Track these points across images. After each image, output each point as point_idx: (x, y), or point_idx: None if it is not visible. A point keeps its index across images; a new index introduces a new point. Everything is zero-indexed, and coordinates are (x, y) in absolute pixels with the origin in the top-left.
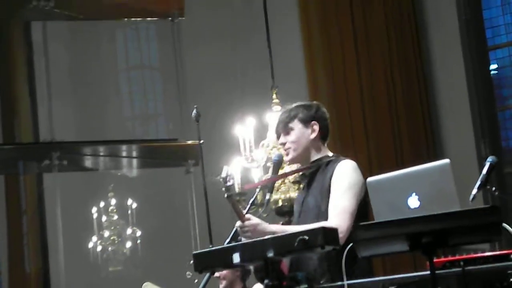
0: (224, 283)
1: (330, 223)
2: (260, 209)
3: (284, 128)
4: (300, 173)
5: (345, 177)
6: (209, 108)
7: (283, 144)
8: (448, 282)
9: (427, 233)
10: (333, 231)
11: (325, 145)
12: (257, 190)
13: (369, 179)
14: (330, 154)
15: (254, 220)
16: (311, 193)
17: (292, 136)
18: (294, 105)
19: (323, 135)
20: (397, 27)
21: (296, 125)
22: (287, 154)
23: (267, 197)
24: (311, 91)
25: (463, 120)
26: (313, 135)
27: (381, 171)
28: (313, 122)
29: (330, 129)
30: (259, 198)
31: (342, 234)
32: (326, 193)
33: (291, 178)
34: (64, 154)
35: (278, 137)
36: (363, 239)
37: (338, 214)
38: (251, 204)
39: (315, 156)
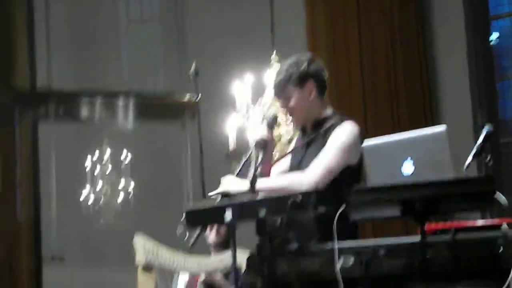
0: (219, 238)
1: (305, 173)
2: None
3: (281, 93)
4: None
5: (339, 137)
6: (208, 64)
7: (284, 108)
8: (438, 249)
9: (419, 199)
10: (326, 193)
11: (325, 98)
12: (251, 149)
13: (365, 143)
14: (332, 111)
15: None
16: (310, 153)
17: (291, 102)
18: (285, 65)
19: (321, 89)
20: None
21: (292, 90)
22: (290, 119)
23: (261, 155)
24: (310, 49)
25: (461, 88)
26: (312, 96)
27: (377, 134)
28: (307, 82)
29: (327, 80)
30: (253, 157)
31: (308, 186)
32: None
33: (286, 140)
34: (60, 103)
35: (277, 99)
36: (355, 203)
37: (315, 167)
38: (245, 163)
39: (317, 115)
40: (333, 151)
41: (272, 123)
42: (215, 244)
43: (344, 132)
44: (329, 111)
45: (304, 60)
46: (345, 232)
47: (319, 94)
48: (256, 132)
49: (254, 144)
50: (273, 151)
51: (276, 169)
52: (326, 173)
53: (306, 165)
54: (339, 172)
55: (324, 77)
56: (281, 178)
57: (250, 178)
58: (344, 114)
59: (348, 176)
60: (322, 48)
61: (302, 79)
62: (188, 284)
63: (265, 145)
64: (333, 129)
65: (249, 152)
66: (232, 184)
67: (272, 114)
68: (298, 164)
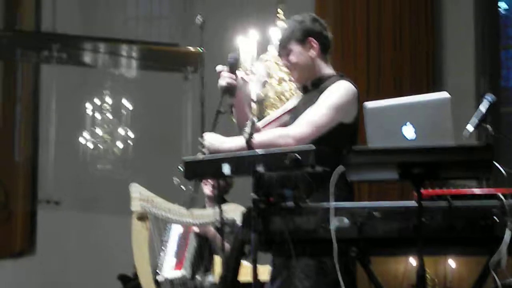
0: (215, 192)
1: (292, 127)
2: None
3: (283, 50)
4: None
5: (331, 95)
6: (213, 17)
7: (286, 65)
8: (433, 214)
9: (418, 164)
10: (325, 152)
11: (327, 58)
12: (220, 98)
13: (367, 103)
14: (334, 72)
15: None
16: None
17: (293, 58)
18: (288, 23)
19: (323, 48)
20: None
21: (294, 46)
22: (293, 75)
23: (232, 101)
24: (317, 8)
25: (466, 54)
26: (313, 53)
27: (378, 96)
28: (309, 38)
29: (331, 40)
30: (223, 109)
31: (292, 140)
32: None
33: (288, 96)
34: (64, 46)
35: (281, 57)
36: (354, 164)
37: (303, 122)
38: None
39: (318, 72)
40: (322, 107)
41: (234, 64)
42: (210, 197)
43: (337, 90)
44: (330, 71)
45: (308, 18)
46: (343, 193)
47: (321, 52)
48: (220, 78)
49: (221, 91)
50: (243, 94)
51: (274, 125)
52: (311, 129)
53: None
54: (331, 129)
55: (326, 36)
56: (267, 132)
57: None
58: (345, 75)
59: (341, 134)
60: (329, 5)
61: (304, 35)
62: (181, 235)
63: (233, 89)
64: (328, 86)
65: (220, 102)
66: (214, 141)
67: (233, 55)
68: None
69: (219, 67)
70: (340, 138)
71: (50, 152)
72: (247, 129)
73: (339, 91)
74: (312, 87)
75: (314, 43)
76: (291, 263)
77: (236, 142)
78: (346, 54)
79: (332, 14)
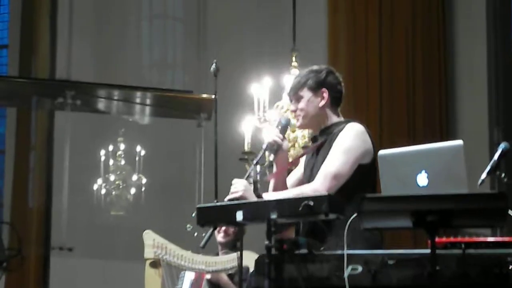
0: (227, 238)
1: (313, 184)
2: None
3: (294, 95)
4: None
5: (343, 140)
6: (227, 65)
7: (294, 111)
8: (447, 263)
9: (432, 211)
10: (338, 200)
11: (338, 110)
12: (262, 151)
13: (381, 151)
14: (341, 119)
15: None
16: (319, 158)
17: (302, 104)
18: (305, 71)
19: (334, 101)
20: (424, 2)
21: (306, 93)
22: (297, 121)
23: (271, 158)
24: (330, 57)
25: (479, 103)
26: (322, 103)
27: (391, 145)
28: (322, 89)
29: (343, 93)
30: (266, 160)
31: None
32: None
33: (301, 143)
34: (78, 93)
35: (291, 102)
36: (368, 211)
37: (323, 176)
38: (255, 165)
39: (324, 123)
40: (338, 155)
41: (286, 126)
42: (222, 244)
43: (347, 134)
44: (338, 119)
45: (324, 70)
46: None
47: (332, 104)
48: (268, 133)
49: (265, 145)
50: (286, 157)
51: (289, 180)
52: (332, 180)
53: (317, 169)
54: (352, 173)
55: (340, 90)
56: (289, 192)
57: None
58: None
59: (362, 177)
60: (342, 59)
61: (318, 85)
62: (194, 282)
63: (277, 149)
64: (338, 133)
65: (259, 154)
66: (247, 191)
67: (286, 117)
68: (311, 172)
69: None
70: (361, 181)
71: (64, 199)
72: (252, 176)
73: (350, 134)
74: (320, 136)
75: (326, 94)
76: None
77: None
78: (358, 102)
79: (345, 62)
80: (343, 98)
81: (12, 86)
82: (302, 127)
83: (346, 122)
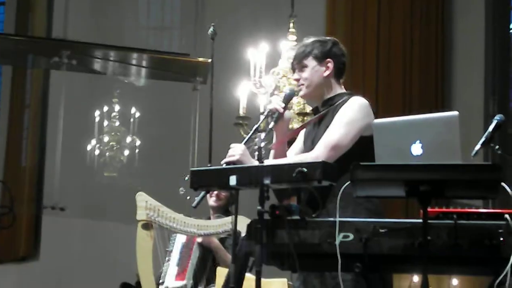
0: (219, 203)
1: (312, 152)
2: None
3: (298, 64)
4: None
5: (346, 112)
6: (224, 29)
7: (297, 80)
8: (439, 232)
9: (425, 181)
10: (332, 167)
11: (341, 82)
12: (262, 117)
13: (375, 120)
14: (344, 91)
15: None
16: (321, 130)
17: (306, 73)
18: (310, 40)
19: (338, 72)
20: None
21: (310, 62)
22: (300, 90)
23: (270, 125)
24: (328, 24)
25: (475, 75)
26: (327, 73)
27: (387, 115)
28: (327, 59)
29: (346, 66)
30: (262, 126)
31: None
32: None
33: (296, 109)
34: (74, 53)
35: (293, 72)
36: (361, 179)
37: (321, 146)
38: (254, 131)
39: (328, 94)
40: (339, 127)
41: (290, 96)
42: (214, 208)
43: (350, 106)
44: (340, 90)
45: (330, 40)
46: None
47: (335, 75)
48: (270, 101)
49: (266, 112)
50: (286, 126)
51: (290, 151)
52: (331, 150)
53: (318, 140)
54: (353, 144)
55: (344, 62)
56: (288, 160)
57: (256, 154)
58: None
59: (363, 148)
60: (340, 25)
61: (323, 54)
62: (184, 245)
63: (278, 117)
64: (341, 105)
65: (260, 121)
66: (245, 156)
67: (292, 89)
68: (312, 143)
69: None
70: (362, 152)
71: (57, 158)
72: (258, 144)
73: (353, 106)
74: (323, 107)
75: (331, 64)
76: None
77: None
78: (355, 72)
79: (342, 31)
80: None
81: (7, 43)
82: (305, 96)
83: (350, 94)
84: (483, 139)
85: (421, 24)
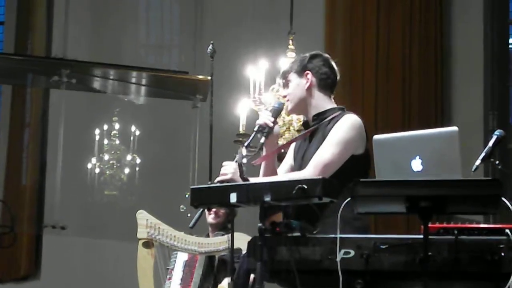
0: (217, 220)
1: (303, 172)
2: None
3: (284, 80)
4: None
5: (338, 131)
6: (223, 47)
7: (285, 96)
8: (440, 248)
9: (426, 197)
10: (332, 184)
11: (330, 96)
12: (253, 133)
13: (376, 136)
14: (334, 106)
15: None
16: (312, 146)
17: (290, 88)
18: (295, 58)
19: (322, 84)
20: None
21: (292, 77)
22: (287, 106)
23: (261, 141)
24: (327, 40)
25: (475, 90)
26: (307, 85)
27: (386, 130)
28: (306, 72)
29: (336, 78)
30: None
31: None
32: None
33: (296, 126)
34: (74, 72)
35: (282, 85)
36: (362, 196)
37: (313, 165)
38: (246, 147)
39: (315, 107)
40: (331, 146)
41: (278, 110)
42: (213, 226)
43: (343, 125)
44: (331, 105)
45: (309, 55)
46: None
47: (319, 87)
48: (260, 116)
49: (256, 127)
50: (275, 141)
51: (281, 168)
52: (323, 170)
53: (310, 157)
54: (344, 163)
55: (325, 73)
56: (279, 178)
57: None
58: (346, 108)
59: (354, 166)
60: (339, 41)
61: (302, 69)
62: (187, 263)
63: (269, 132)
64: (334, 121)
65: (251, 137)
66: (237, 174)
67: (279, 101)
68: (302, 158)
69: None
70: (352, 170)
71: (57, 177)
72: (238, 159)
73: (345, 126)
74: (313, 121)
75: (310, 75)
76: None
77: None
78: (354, 87)
79: (341, 46)
80: (337, 84)
81: (7, 63)
82: (292, 111)
83: (342, 110)
84: (483, 154)
85: (420, 39)
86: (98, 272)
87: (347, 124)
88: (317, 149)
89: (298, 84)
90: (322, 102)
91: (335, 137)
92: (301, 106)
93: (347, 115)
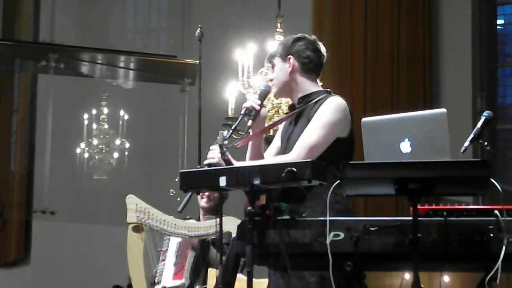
0: (210, 204)
1: (288, 155)
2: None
3: (270, 64)
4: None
5: (323, 114)
6: (211, 30)
7: (271, 80)
8: (429, 230)
9: (415, 179)
10: (322, 166)
11: (315, 79)
12: (240, 116)
13: (364, 119)
14: (320, 89)
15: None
16: (297, 129)
17: (274, 73)
18: (281, 40)
19: (306, 68)
20: None
21: (277, 61)
22: (273, 89)
23: (248, 123)
24: (315, 23)
25: (463, 72)
26: (289, 69)
27: (375, 113)
28: (288, 56)
29: (321, 61)
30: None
31: None
32: None
33: (284, 109)
34: (61, 57)
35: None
36: (350, 178)
37: (299, 148)
38: (234, 130)
39: (299, 91)
40: (316, 129)
41: (265, 93)
42: (205, 209)
43: (328, 108)
44: (316, 88)
45: (292, 38)
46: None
47: (303, 71)
48: (247, 99)
49: (243, 110)
50: (262, 124)
51: (269, 151)
52: (308, 152)
53: (295, 140)
54: (329, 146)
55: (308, 56)
56: (268, 161)
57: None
58: (339, 93)
59: (338, 149)
60: (327, 24)
61: (285, 53)
62: (181, 244)
63: (255, 114)
64: (319, 104)
65: (238, 120)
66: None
67: (267, 85)
68: (287, 140)
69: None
70: (337, 153)
71: (46, 162)
72: (218, 141)
73: (330, 108)
74: (299, 104)
75: (292, 60)
76: (291, 280)
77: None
78: (343, 70)
79: (330, 29)
80: (322, 66)
81: None
82: (277, 95)
83: (327, 93)
84: (471, 135)
85: (408, 21)
86: (88, 257)
87: (332, 107)
88: (301, 132)
89: (281, 69)
90: (306, 86)
91: (320, 120)
92: (285, 90)
93: (331, 97)
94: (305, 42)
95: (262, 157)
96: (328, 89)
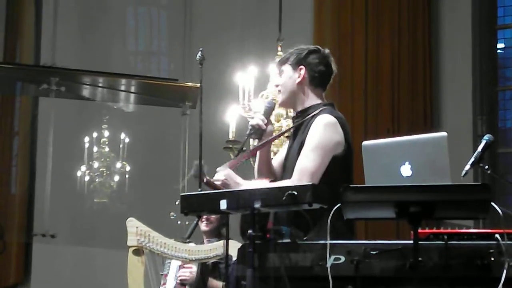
0: (210, 226)
1: (289, 182)
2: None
3: (278, 69)
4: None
5: (314, 135)
6: (212, 53)
7: (277, 85)
8: (430, 253)
9: (415, 203)
10: (322, 190)
11: (321, 93)
12: (246, 136)
13: (365, 142)
14: (319, 102)
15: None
16: (293, 148)
17: (282, 79)
18: (296, 48)
19: (314, 81)
20: None
21: (286, 68)
22: (279, 97)
23: (255, 143)
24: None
25: (464, 95)
26: (298, 80)
27: (375, 136)
28: (300, 66)
29: (329, 76)
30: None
31: None
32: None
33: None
34: (63, 80)
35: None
36: (351, 201)
37: (298, 174)
38: (240, 150)
39: (303, 103)
40: (311, 152)
41: (270, 109)
42: (207, 233)
43: (317, 129)
44: (316, 101)
45: (308, 49)
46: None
47: (311, 84)
48: (253, 117)
49: (249, 129)
50: (270, 139)
51: (275, 159)
52: (308, 178)
53: (291, 158)
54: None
55: (321, 71)
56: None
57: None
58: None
59: (335, 166)
60: (327, 43)
61: (297, 62)
62: (180, 268)
63: (261, 133)
64: (314, 119)
65: (244, 140)
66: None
67: (271, 102)
68: (286, 157)
69: (257, 112)
70: (335, 170)
71: (47, 185)
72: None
73: (319, 128)
74: (297, 118)
75: (303, 71)
76: None
77: (251, 186)
78: (343, 93)
79: (330, 50)
80: (330, 81)
81: None
82: (282, 104)
83: (327, 105)
84: (472, 159)
85: (408, 44)
86: (88, 280)
87: (320, 126)
88: (297, 151)
89: (291, 77)
90: (309, 99)
91: (312, 143)
92: (291, 99)
93: (320, 116)
94: (319, 56)
95: (270, 167)
96: (330, 102)
